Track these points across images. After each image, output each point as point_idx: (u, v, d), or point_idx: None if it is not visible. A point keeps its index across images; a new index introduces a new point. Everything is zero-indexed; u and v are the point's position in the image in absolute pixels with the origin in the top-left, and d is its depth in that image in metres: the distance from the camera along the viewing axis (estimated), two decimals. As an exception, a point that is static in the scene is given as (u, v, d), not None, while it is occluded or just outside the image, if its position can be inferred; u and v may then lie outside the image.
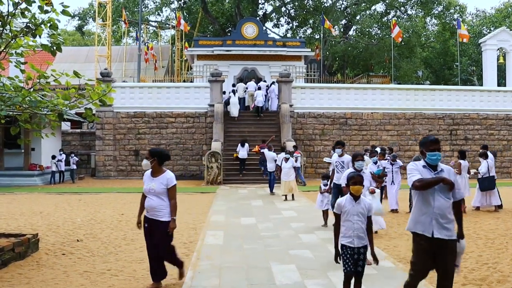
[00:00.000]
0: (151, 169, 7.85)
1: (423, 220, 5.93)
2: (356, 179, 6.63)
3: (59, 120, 9.16)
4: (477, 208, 16.30)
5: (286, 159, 19.54)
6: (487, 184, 16.22)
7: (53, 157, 27.54)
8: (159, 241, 7.77)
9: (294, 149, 23.48)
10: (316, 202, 13.90)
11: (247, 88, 32.90)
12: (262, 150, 26.24)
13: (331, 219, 12.31)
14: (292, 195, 19.58)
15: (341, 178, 12.21)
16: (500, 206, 16.33)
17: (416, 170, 6.05)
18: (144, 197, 7.92)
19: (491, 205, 16.21)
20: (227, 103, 31.54)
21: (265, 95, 32.37)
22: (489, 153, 16.93)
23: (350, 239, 6.46)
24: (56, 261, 9.47)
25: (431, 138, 6.15)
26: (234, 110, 31.00)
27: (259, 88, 32.30)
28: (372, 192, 10.99)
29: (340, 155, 12.98)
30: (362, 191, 6.76)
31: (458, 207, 6.07)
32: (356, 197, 6.62)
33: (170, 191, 7.78)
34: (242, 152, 27.25)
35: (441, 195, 5.90)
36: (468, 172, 16.59)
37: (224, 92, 32.10)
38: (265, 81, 34.26)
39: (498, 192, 16.26)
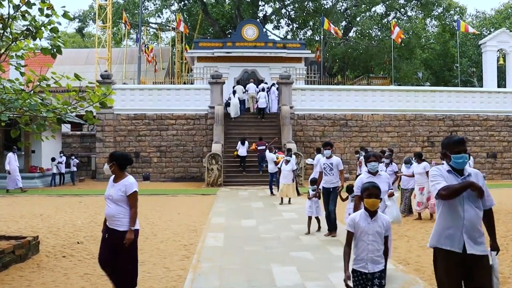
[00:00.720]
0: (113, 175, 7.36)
1: (451, 235, 5.16)
2: (371, 190, 5.62)
3: (58, 124, 9.18)
4: None
5: (287, 161, 19.24)
6: None
7: (53, 159, 27.53)
8: (123, 253, 7.04)
9: (288, 151, 22.83)
10: (305, 208, 13.11)
11: (247, 90, 32.93)
12: (259, 148, 26.63)
13: (324, 227, 12.72)
14: (289, 198, 19.21)
15: (330, 182, 12.32)
16: None
17: (441, 176, 5.23)
18: None
19: None
20: (227, 104, 31.60)
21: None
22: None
23: (363, 263, 5.54)
24: (56, 263, 9.48)
25: (456, 139, 5.33)
26: (234, 111, 31.10)
27: (262, 90, 32.47)
28: (391, 196, 9.63)
29: (329, 157, 12.42)
30: (380, 204, 5.82)
31: (490, 216, 5.40)
32: (371, 213, 5.62)
33: (130, 199, 7.18)
34: (242, 150, 27.63)
35: (471, 204, 5.14)
36: None
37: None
38: (266, 82, 34.25)
39: None
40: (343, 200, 11.72)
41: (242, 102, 32.44)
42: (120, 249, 6.98)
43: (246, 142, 27.72)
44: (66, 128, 33.58)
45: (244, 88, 33.25)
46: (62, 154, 28.87)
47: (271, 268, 9.11)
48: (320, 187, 12.66)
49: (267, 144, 26.52)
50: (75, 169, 29.36)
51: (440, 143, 5.48)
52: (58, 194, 23.06)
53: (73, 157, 29.66)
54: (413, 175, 15.59)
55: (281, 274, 8.69)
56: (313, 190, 12.92)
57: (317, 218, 12.83)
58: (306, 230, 12.71)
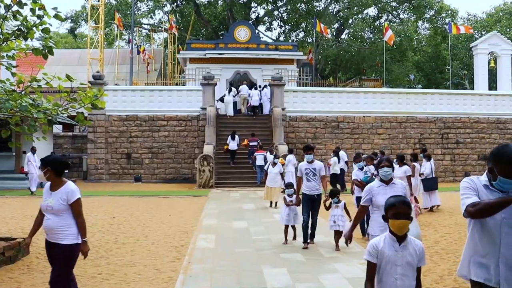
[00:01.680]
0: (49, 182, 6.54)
1: (484, 264, 4.13)
2: (399, 209, 4.25)
3: (49, 125, 9.15)
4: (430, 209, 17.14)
5: (274, 164, 18.78)
6: (430, 185, 17.18)
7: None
8: (57, 267, 6.42)
9: (290, 152, 23.18)
10: (280, 215, 12.08)
11: (239, 91, 32.96)
12: (251, 144, 27.41)
13: (299, 237, 11.81)
14: (276, 202, 18.42)
15: (314, 188, 11.19)
16: (438, 206, 17.37)
17: (472, 190, 4.14)
18: (41, 214, 6.61)
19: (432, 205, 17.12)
20: (221, 99, 31.97)
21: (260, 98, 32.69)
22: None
23: None
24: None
25: None
26: (228, 108, 31.20)
27: (255, 89, 32.66)
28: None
29: (311, 162, 11.28)
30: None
31: None
32: (400, 238, 4.30)
33: (74, 207, 6.36)
34: (232, 144, 27.93)
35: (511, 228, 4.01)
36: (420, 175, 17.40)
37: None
38: (259, 86, 34.20)
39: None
40: (327, 208, 11.26)
41: (234, 104, 32.48)
42: (58, 262, 6.40)
43: (237, 136, 28.03)
44: (57, 129, 33.46)
45: (237, 90, 33.27)
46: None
47: (262, 269, 9.12)
48: (300, 193, 11.45)
49: (259, 141, 27.13)
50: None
51: (491, 153, 4.15)
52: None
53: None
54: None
55: (271, 275, 8.70)
56: (289, 195, 11.94)
57: (293, 226, 11.92)
58: (284, 240, 11.69)
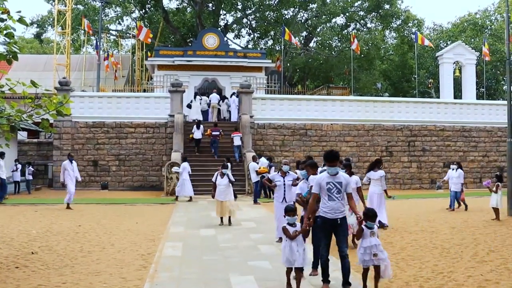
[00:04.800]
0: None
1: None
2: None
3: (12, 131, 8.98)
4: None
5: (222, 174, 16.12)
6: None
7: None
8: None
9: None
10: (282, 252, 8.33)
11: (210, 100, 33.03)
12: (213, 133, 28.48)
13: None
14: (229, 218, 15.98)
15: (337, 210, 8.17)
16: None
17: None
18: None
19: None
20: (189, 106, 32.22)
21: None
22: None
23: None
24: (8, 274, 9.25)
25: None
26: (194, 112, 31.53)
27: (222, 100, 33.65)
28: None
29: (334, 174, 8.29)
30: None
31: None
32: None
33: None
34: (197, 133, 28.86)
35: None
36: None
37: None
38: (230, 95, 34.32)
39: None
40: (358, 237, 8.27)
41: (205, 112, 32.56)
42: None
43: (201, 126, 29.07)
44: (22, 136, 32.95)
45: (208, 97, 33.36)
46: (17, 162, 28.29)
47: (229, 277, 9.08)
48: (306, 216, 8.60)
49: (221, 130, 28.97)
50: (30, 177, 28.78)
51: None
52: (12, 203, 22.48)
53: (29, 165, 29.07)
54: None
55: (239, 283, 8.67)
56: (291, 224, 8.36)
57: (300, 269, 8.18)
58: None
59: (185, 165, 23.97)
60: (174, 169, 25.16)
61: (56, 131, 28.90)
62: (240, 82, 33.56)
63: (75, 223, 15.70)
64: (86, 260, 10.54)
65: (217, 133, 28.63)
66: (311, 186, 9.02)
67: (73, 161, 21.07)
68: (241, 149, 28.85)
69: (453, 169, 19.74)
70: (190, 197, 23.79)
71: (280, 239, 11.35)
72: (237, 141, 28.63)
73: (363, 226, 8.04)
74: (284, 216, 8.56)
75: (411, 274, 9.21)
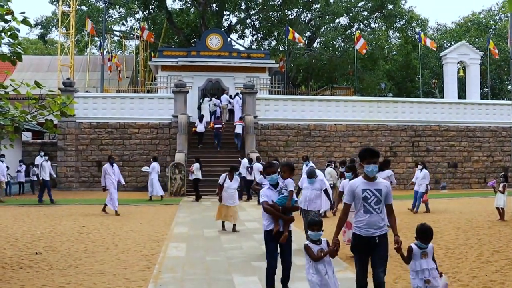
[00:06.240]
0: None
1: None
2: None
3: (16, 132, 9.00)
4: None
5: (232, 177, 14.93)
6: None
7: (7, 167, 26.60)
8: None
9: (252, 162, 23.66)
10: (307, 276, 6.86)
11: (221, 101, 33.22)
12: (215, 126, 29.59)
13: None
14: (234, 225, 14.80)
15: (376, 225, 6.55)
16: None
17: None
18: None
19: None
20: (199, 108, 33.08)
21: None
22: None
23: None
24: (13, 275, 9.27)
25: None
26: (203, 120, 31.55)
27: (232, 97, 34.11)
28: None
29: (372, 179, 6.71)
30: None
31: None
32: None
33: None
34: (200, 126, 29.74)
35: None
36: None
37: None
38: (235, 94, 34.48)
39: None
40: (408, 260, 6.57)
41: (213, 113, 32.83)
42: None
43: (204, 120, 30.15)
44: (26, 136, 33.00)
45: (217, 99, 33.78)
46: (21, 163, 28.34)
47: (233, 278, 9.08)
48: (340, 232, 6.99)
49: (223, 123, 30.50)
50: (35, 178, 28.80)
51: None
52: (17, 203, 22.56)
53: (33, 166, 29.10)
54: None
55: (242, 284, 8.67)
56: (314, 242, 6.87)
57: None
58: None
59: (155, 165, 24.65)
60: (144, 168, 25.83)
61: (60, 132, 28.96)
62: (243, 82, 33.56)
63: (79, 224, 15.73)
64: (90, 260, 10.55)
65: (219, 126, 29.81)
66: (290, 191, 7.92)
67: (114, 164, 19.80)
68: (241, 137, 29.89)
69: (419, 169, 19.48)
70: (161, 196, 24.38)
71: None
72: (238, 129, 29.69)
73: (412, 245, 6.55)
74: (307, 232, 7.23)
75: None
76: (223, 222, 14.97)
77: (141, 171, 27.25)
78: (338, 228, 6.78)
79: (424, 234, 6.53)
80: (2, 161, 24.22)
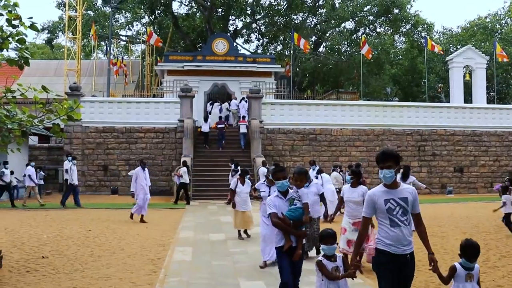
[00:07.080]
0: None
1: None
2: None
3: (23, 136, 9.03)
4: None
5: (243, 181, 14.41)
6: None
7: (12, 172, 26.52)
8: None
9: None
10: None
11: (230, 106, 33.50)
12: (218, 126, 30.22)
13: None
14: (245, 230, 14.53)
15: (405, 240, 5.61)
16: None
17: None
18: None
19: None
20: (209, 113, 33.01)
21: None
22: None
23: None
24: (20, 278, 9.29)
25: None
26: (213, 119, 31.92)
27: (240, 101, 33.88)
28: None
29: (394, 186, 5.73)
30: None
31: None
32: None
33: None
34: (205, 126, 30.36)
35: None
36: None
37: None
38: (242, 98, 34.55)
39: None
40: (447, 281, 5.85)
41: (226, 117, 33.14)
42: None
43: (209, 120, 30.77)
44: (33, 140, 33.09)
45: (229, 104, 34.04)
46: (30, 167, 28.34)
47: (239, 282, 9.07)
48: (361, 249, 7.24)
49: (226, 123, 31.42)
50: (42, 182, 28.89)
51: None
52: (23, 207, 22.64)
53: (40, 170, 29.17)
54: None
55: (248, 288, 8.66)
56: (329, 258, 6.15)
57: None
58: None
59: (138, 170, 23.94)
60: (130, 173, 25.29)
61: (66, 136, 29.00)
62: (249, 87, 33.60)
63: (85, 228, 15.76)
64: (96, 264, 10.57)
65: (222, 126, 30.57)
66: (305, 204, 7.03)
67: (146, 168, 19.21)
68: (246, 136, 30.42)
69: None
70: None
71: (265, 263, 10.34)
72: (243, 129, 30.37)
73: (457, 264, 5.74)
74: (319, 246, 6.54)
75: (422, 279, 9.17)
76: (239, 231, 14.34)
77: (129, 175, 26.45)
78: (357, 246, 6.01)
79: (472, 251, 5.70)
80: (33, 166, 25.19)
